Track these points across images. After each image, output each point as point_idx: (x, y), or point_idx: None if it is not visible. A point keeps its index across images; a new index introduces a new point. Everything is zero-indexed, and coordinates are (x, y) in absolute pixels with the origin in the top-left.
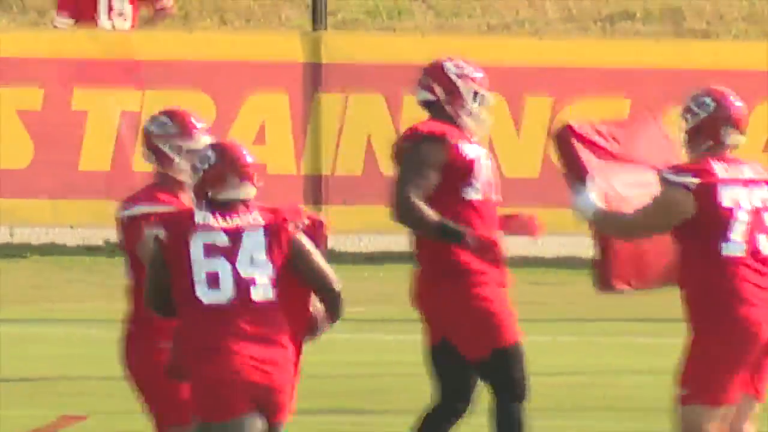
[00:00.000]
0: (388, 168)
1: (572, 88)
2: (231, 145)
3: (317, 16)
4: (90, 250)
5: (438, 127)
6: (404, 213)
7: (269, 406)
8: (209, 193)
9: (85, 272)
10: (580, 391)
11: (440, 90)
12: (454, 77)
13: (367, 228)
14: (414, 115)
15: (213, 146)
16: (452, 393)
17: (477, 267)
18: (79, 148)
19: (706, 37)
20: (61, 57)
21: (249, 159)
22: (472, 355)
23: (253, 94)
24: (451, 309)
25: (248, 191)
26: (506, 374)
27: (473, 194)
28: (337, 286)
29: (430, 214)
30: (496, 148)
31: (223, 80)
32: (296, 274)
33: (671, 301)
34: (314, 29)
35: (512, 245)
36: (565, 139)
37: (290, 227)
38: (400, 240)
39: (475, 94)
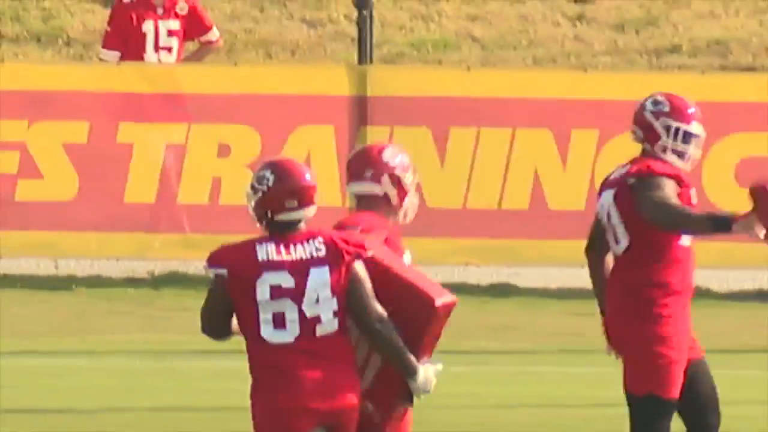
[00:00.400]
0: (432, 200)
1: (618, 122)
2: (289, 164)
3: (363, 49)
4: (134, 282)
5: (671, 169)
6: (674, 217)
7: (332, 424)
8: (267, 215)
9: (128, 304)
10: (622, 423)
11: (638, 129)
12: (649, 115)
13: (414, 260)
14: (459, 148)
15: (270, 165)
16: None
17: (668, 312)
18: (125, 181)
19: (751, 70)
20: (107, 91)
21: (308, 179)
22: (631, 388)
23: (298, 128)
24: (634, 340)
25: (308, 212)
26: (649, 421)
27: (687, 240)
28: (373, 319)
29: (695, 211)
30: (542, 181)
31: (269, 114)
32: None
33: (711, 332)
34: (360, 63)
35: (553, 277)
36: (763, 193)
37: (353, 258)
38: (452, 271)
39: (668, 129)
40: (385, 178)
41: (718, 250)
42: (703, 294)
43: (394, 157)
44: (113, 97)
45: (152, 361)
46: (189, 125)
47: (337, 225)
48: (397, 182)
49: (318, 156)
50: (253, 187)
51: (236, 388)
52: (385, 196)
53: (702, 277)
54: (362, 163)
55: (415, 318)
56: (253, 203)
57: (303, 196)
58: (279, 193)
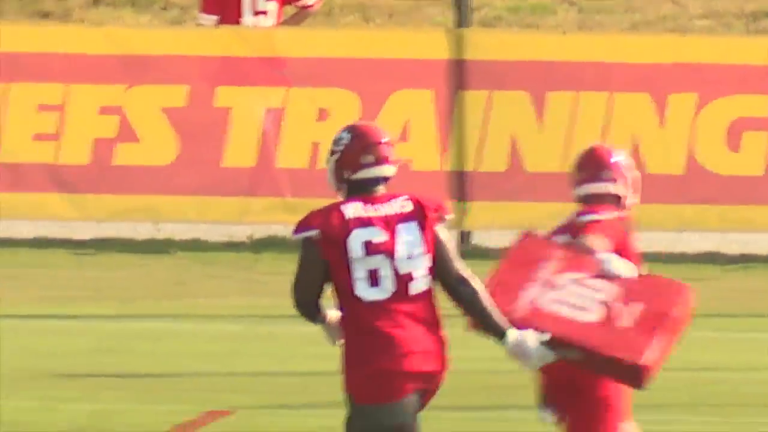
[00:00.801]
0: (530, 165)
1: (716, 85)
2: (365, 125)
3: (461, 13)
4: (233, 247)
5: None
6: None
7: (426, 388)
8: (345, 175)
9: (227, 268)
10: (720, 388)
11: None
12: None
13: (511, 224)
14: (557, 112)
15: (346, 128)
16: None
17: None
18: (224, 144)
19: None
20: (206, 54)
21: (384, 138)
22: None
23: (397, 92)
24: None
25: (385, 170)
26: None
27: None
28: (456, 280)
29: None
30: (640, 145)
31: (368, 77)
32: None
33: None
34: (458, 26)
35: (653, 242)
36: None
37: (436, 218)
38: None
39: None
40: (620, 179)
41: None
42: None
43: (623, 158)
44: (211, 60)
45: (251, 326)
46: (288, 89)
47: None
48: (629, 182)
49: (416, 120)
50: (331, 152)
51: (336, 353)
52: (617, 196)
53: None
54: (597, 165)
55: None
56: (332, 166)
57: (379, 153)
58: (355, 150)
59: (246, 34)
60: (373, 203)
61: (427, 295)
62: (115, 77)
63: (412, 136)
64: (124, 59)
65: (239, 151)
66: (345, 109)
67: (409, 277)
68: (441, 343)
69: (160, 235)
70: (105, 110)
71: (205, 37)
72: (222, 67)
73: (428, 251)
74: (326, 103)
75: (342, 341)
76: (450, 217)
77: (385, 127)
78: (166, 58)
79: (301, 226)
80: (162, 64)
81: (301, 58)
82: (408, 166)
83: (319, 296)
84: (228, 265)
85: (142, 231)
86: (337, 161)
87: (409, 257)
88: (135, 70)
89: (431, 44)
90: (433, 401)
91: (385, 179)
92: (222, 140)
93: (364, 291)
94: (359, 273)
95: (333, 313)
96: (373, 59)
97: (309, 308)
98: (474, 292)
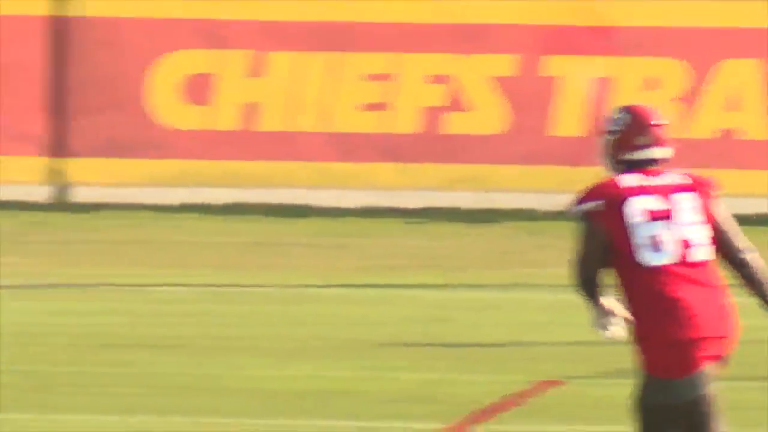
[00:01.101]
0: None
1: None
2: (641, 107)
3: None
4: (560, 216)
5: None
6: None
7: (718, 356)
8: (620, 155)
9: (554, 238)
10: None
11: None
12: None
13: None
14: None
15: (624, 108)
16: None
17: None
18: (552, 114)
19: None
20: (535, 23)
21: (659, 120)
22: None
23: (726, 61)
24: None
25: (657, 153)
26: None
27: None
28: (736, 252)
29: None
30: None
31: (696, 47)
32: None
33: None
34: None
35: None
36: None
37: (711, 193)
38: None
39: None
40: None
41: None
42: None
43: None
44: (541, 30)
45: (575, 295)
46: (616, 58)
47: None
48: None
49: (744, 89)
50: (608, 131)
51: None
52: None
53: None
54: None
55: None
56: (608, 146)
57: (654, 135)
58: (633, 131)
59: (575, 4)
60: (648, 175)
61: (709, 263)
62: (444, 46)
63: (739, 106)
64: (454, 28)
65: (567, 121)
66: (672, 78)
67: (689, 243)
68: (727, 309)
69: (488, 204)
70: (435, 79)
71: (536, 7)
72: (551, 36)
73: (707, 222)
74: (654, 72)
75: (612, 326)
76: (721, 193)
77: (714, 96)
78: (495, 27)
79: (581, 200)
80: (491, 32)
81: (629, 27)
82: (732, 135)
83: (599, 272)
84: (554, 234)
85: (469, 200)
86: (615, 142)
87: (688, 224)
88: (465, 38)
89: (759, 13)
90: (727, 371)
91: (658, 161)
92: (550, 109)
93: (646, 256)
94: (640, 239)
95: (607, 301)
96: (700, 28)
97: (590, 285)
98: (748, 263)
